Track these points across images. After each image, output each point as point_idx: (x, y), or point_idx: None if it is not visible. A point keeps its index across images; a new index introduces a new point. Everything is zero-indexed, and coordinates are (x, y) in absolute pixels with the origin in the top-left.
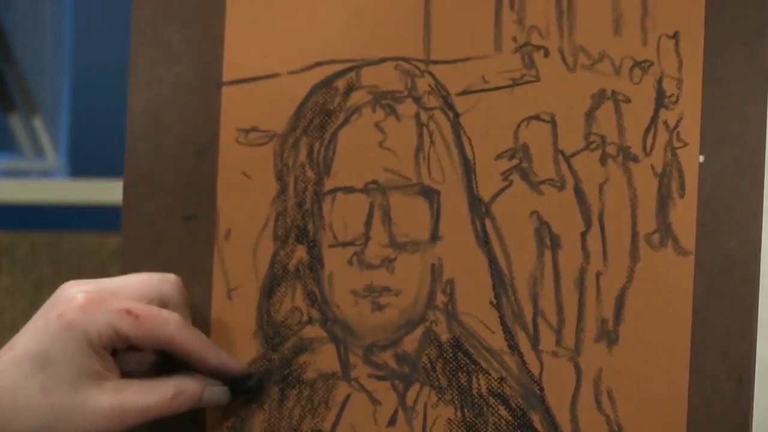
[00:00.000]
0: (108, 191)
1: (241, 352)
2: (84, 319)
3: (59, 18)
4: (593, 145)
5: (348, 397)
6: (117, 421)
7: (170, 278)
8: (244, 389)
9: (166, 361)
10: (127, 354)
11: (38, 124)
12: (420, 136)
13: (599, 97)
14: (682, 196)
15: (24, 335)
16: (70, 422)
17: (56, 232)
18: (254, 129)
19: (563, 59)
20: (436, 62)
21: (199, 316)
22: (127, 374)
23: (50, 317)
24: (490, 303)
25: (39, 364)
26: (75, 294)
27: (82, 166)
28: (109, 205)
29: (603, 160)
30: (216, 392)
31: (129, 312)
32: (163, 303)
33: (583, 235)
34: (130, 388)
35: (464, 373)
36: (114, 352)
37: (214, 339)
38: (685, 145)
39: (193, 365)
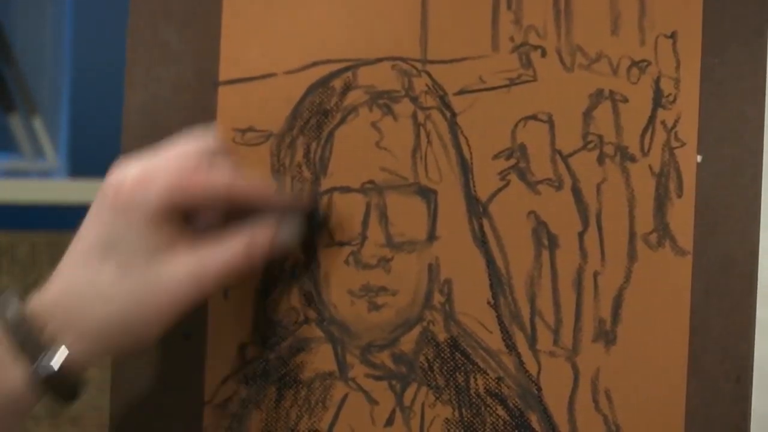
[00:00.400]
0: None
1: (238, 352)
2: (137, 199)
3: (59, 18)
4: (591, 145)
5: (345, 397)
6: (195, 286)
7: (208, 133)
8: (314, 221)
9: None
10: (196, 217)
11: (38, 124)
12: (417, 135)
13: (597, 96)
14: (679, 195)
15: (85, 228)
16: (149, 299)
17: (56, 232)
18: (251, 129)
19: (560, 59)
20: (432, 62)
21: (195, 316)
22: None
23: (105, 204)
24: (488, 303)
25: (106, 252)
26: (124, 176)
27: (81, 166)
28: None
29: (600, 160)
30: (287, 231)
31: (181, 178)
32: (211, 159)
33: (581, 235)
34: (201, 251)
35: (462, 373)
36: (180, 219)
37: (211, 339)
38: (683, 144)
39: (258, 207)
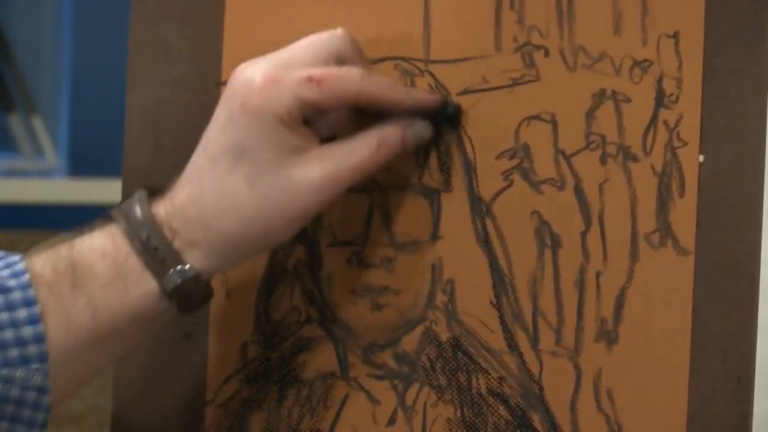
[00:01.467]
0: (107, 191)
1: (240, 352)
2: (268, 100)
3: (59, 18)
4: (593, 145)
5: (347, 396)
6: (329, 187)
7: (338, 33)
8: (444, 118)
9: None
10: (322, 121)
11: (38, 123)
12: None
13: (599, 96)
14: (681, 195)
15: (212, 133)
16: (282, 204)
17: (55, 232)
18: None
19: (563, 59)
20: (435, 62)
21: (196, 316)
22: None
23: (233, 107)
24: (490, 303)
25: (236, 157)
26: (251, 77)
27: (81, 165)
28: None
29: (603, 160)
30: (417, 128)
31: (310, 78)
32: (339, 60)
33: (583, 234)
34: (333, 151)
35: (464, 373)
36: (307, 123)
37: (212, 339)
38: (685, 144)
39: (388, 110)
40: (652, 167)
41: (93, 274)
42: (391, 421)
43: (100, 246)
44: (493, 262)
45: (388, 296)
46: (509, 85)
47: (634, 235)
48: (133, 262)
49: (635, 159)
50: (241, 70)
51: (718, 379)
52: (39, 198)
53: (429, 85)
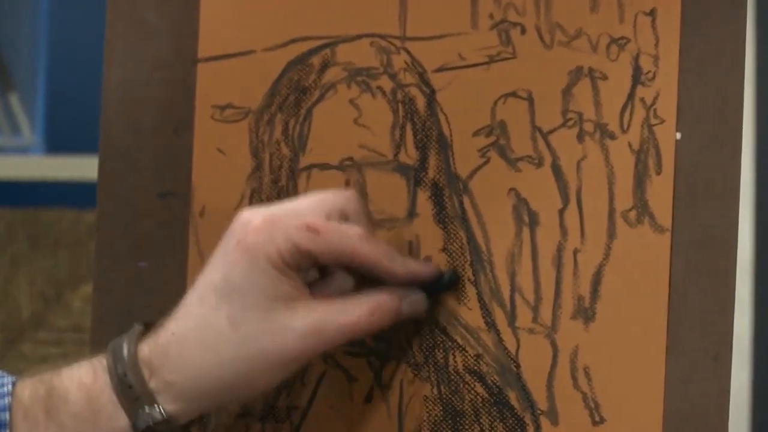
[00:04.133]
0: (84, 167)
1: None
2: (263, 240)
3: None
4: (570, 122)
5: (323, 373)
6: (312, 342)
7: (348, 193)
8: (440, 288)
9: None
10: (318, 280)
11: (14, 100)
12: (396, 112)
13: (576, 74)
14: (659, 173)
15: (206, 271)
16: (262, 350)
17: (33, 209)
18: (229, 106)
19: (540, 36)
20: (411, 39)
21: (174, 293)
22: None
23: (229, 246)
24: (468, 280)
25: (223, 295)
26: (250, 218)
27: (58, 142)
28: (85, 181)
29: (580, 137)
30: (414, 301)
31: (308, 227)
32: (342, 217)
33: (561, 212)
34: (324, 307)
35: (441, 350)
36: (302, 272)
37: None
38: (662, 122)
39: (381, 277)
40: (629, 145)
41: (67, 403)
42: (368, 398)
43: (80, 376)
44: (470, 239)
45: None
46: (485, 63)
47: (611, 212)
48: (108, 398)
49: (612, 136)
50: (243, 213)
51: (696, 357)
52: (16, 174)
53: (405, 62)
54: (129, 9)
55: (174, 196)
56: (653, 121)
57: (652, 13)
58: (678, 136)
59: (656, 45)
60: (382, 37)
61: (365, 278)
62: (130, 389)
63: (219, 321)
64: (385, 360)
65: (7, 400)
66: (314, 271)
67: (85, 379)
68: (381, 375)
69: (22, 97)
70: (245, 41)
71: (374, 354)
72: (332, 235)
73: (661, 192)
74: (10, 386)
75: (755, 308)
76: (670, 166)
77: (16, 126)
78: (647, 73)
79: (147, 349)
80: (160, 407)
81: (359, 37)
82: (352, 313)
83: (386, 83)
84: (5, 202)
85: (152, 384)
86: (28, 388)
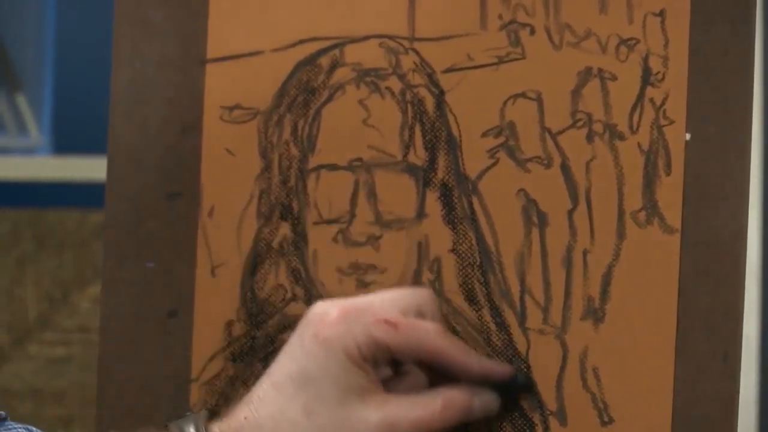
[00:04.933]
0: (91, 168)
1: (225, 330)
2: (341, 333)
3: None
4: (580, 123)
5: None
6: None
7: (424, 291)
8: (512, 389)
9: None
10: (392, 377)
11: (22, 101)
12: (405, 113)
13: (585, 74)
14: (668, 173)
15: (281, 359)
16: None
17: (39, 209)
18: (238, 106)
19: (549, 37)
20: (420, 40)
21: (181, 294)
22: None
23: (305, 337)
24: (477, 281)
25: (299, 385)
26: (328, 310)
27: (65, 143)
28: (92, 182)
29: (589, 138)
30: (486, 400)
31: (387, 322)
32: (419, 314)
33: (570, 212)
34: (397, 402)
35: None
36: (377, 366)
37: (197, 317)
38: (672, 122)
39: (456, 374)
40: (639, 145)
41: None
42: None
43: None
44: (479, 240)
45: (374, 274)
46: (495, 63)
47: (621, 213)
48: None
49: (621, 137)
50: (319, 305)
51: (705, 358)
52: (22, 175)
53: (414, 62)
54: (136, 9)
55: (182, 197)
56: (663, 121)
57: (661, 13)
58: (687, 136)
59: (665, 46)
60: (390, 37)
61: (439, 376)
62: None
63: (294, 410)
64: None
65: None
66: (388, 368)
67: None
68: None
69: (30, 97)
70: (254, 42)
71: None
72: (410, 330)
73: (670, 193)
74: None
75: (763, 309)
76: (680, 166)
77: (23, 126)
78: (657, 74)
79: (221, 430)
80: None
81: (368, 37)
82: (424, 408)
83: (395, 84)
84: (12, 203)
85: None
86: None
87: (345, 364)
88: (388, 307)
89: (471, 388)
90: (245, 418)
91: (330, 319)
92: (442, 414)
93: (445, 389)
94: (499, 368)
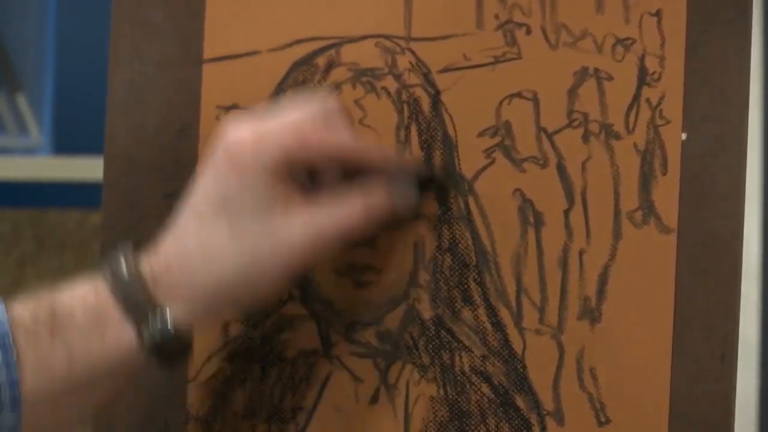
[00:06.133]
0: (92, 168)
1: (222, 330)
2: (255, 152)
3: None
4: (576, 123)
5: (329, 374)
6: (311, 244)
7: (329, 98)
8: (433, 185)
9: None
10: (309, 180)
11: (22, 101)
12: (401, 113)
13: (581, 74)
14: (664, 173)
15: (200, 188)
16: (264, 257)
17: (39, 209)
18: (235, 106)
19: (545, 37)
20: (416, 39)
21: None
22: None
23: (219, 160)
24: (474, 281)
25: (220, 208)
26: (240, 133)
27: (65, 143)
28: (92, 182)
29: (585, 138)
30: (405, 193)
31: (297, 136)
32: (327, 119)
33: (566, 212)
34: (319, 208)
35: (447, 351)
36: (295, 181)
37: None
38: (668, 122)
39: (374, 169)
40: (635, 145)
41: (73, 323)
42: (374, 399)
43: (82, 296)
44: (476, 240)
45: (370, 274)
46: (491, 63)
47: (617, 213)
48: (115, 315)
49: (618, 137)
50: (227, 124)
51: (702, 358)
52: (23, 175)
53: (410, 62)
54: (134, 9)
55: (179, 197)
56: (659, 121)
57: (657, 13)
58: (684, 136)
59: (662, 46)
60: (387, 37)
61: (356, 185)
62: (137, 306)
63: (219, 234)
64: (391, 361)
65: (4, 324)
66: (304, 176)
67: (89, 299)
68: (387, 376)
69: (30, 97)
70: (250, 42)
71: (380, 355)
72: (321, 139)
73: (666, 193)
74: (1, 310)
75: (763, 309)
76: (676, 166)
77: (23, 126)
78: (653, 74)
79: (148, 266)
80: (169, 321)
81: (364, 37)
82: (345, 211)
83: (391, 84)
84: (12, 203)
85: (159, 299)
86: (27, 310)
87: (264, 181)
88: (300, 120)
89: (389, 183)
90: (173, 249)
91: (243, 143)
92: (364, 213)
93: (364, 188)
94: (416, 162)
